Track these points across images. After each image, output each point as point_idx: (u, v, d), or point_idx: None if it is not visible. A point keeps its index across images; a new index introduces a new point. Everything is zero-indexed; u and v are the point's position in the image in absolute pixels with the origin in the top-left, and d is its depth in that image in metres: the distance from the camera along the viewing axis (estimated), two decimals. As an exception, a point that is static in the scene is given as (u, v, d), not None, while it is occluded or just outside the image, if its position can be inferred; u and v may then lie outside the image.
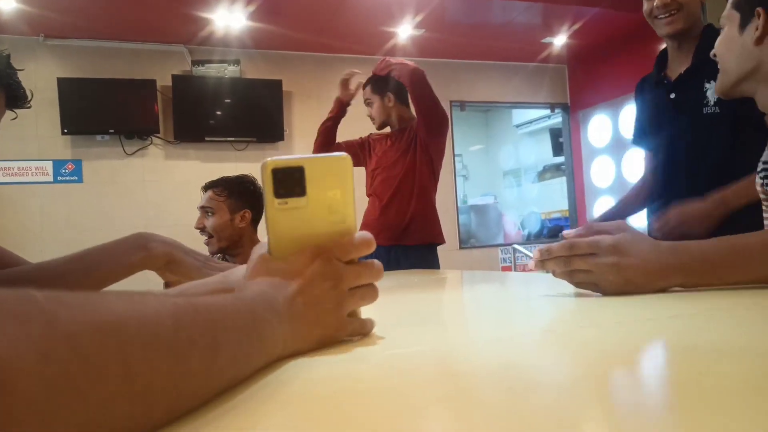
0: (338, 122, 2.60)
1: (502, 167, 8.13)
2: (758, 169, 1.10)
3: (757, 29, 0.99)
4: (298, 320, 0.44)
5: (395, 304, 0.88)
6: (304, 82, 4.83)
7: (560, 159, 6.31)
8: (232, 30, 4.21)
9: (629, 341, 0.48)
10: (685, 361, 0.40)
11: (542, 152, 7.08)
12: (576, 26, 4.63)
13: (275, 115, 4.64)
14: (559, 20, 4.57)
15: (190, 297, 0.34)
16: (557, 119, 6.18)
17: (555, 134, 6.43)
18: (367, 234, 0.48)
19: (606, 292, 0.71)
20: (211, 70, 4.53)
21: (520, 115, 7.23)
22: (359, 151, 2.62)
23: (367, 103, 2.57)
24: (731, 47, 1.05)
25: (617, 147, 5.08)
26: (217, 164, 4.44)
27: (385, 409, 0.31)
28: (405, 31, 4.50)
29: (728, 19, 1.06)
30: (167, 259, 0.92)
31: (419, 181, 2.43)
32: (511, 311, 0.81)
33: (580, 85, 5.61)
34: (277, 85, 4.61)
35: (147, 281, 0.82)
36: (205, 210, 2.01)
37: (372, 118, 2.57)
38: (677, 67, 1.63)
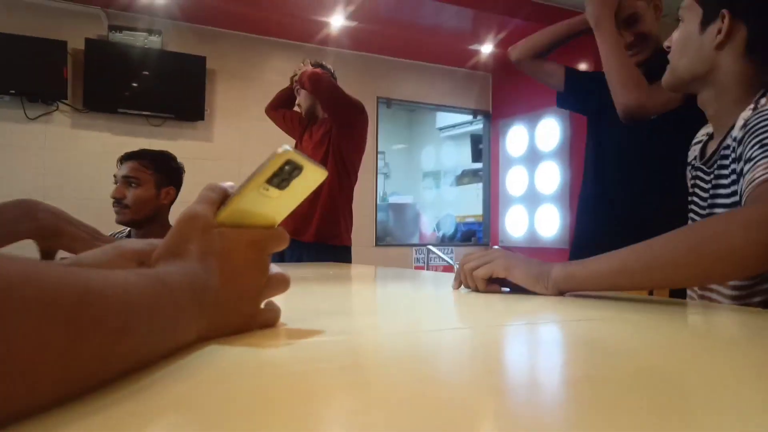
0: (292, 94, 2.65)
1: (423, 168, 8.26)
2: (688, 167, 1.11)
3: (719, 32, 0.94)
4: (220, 310, 0.42)
5: (308, 295, 0.87)
6: (229, 61, 4.67)
7: (479, 165, 6.50)
8: (157, -2, 4.00)
9: (529, 339, 0.49)
10: (579, 359, 0.41)
11: (462, 157, 7.27)
12: (501, 35, 4.78)
13: (196, 92, 4.45)
14: (486, 28, 4.70)
15: (107, 272, 0.31)
16: (479, 126, 6.37)
17: (475, 140, 6.61)
18: (284, 230, 0.48)
19: (507, 277, 0.81)
20: (130, 38, 4.27)
21: (444, 118, 7.38)
22: (297, 126, 2.64)
23: (296, 90, 2.57)
24: (687, 45, 0.99)
25: (532, 158, 5.30)
26: (128, 138, 4.20)
27: (291, 397, 0.30)
28: (337, 21, 4.47)
29: (689, 11, 1.00)
30: (55, 230, 0.86)
31: (329, 178, 2.40)
32: (419, 307, 0.81)
33: (503, 94, 5.80)
34: (200, 61, 4.43)
35: (21, 249, 0.76)
36: (128, 180, 1.92)
37: (299, 106, 2.58)
38: None
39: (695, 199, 1.05)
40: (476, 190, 6.54)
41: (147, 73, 4.27)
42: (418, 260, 5.61)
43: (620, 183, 1.67)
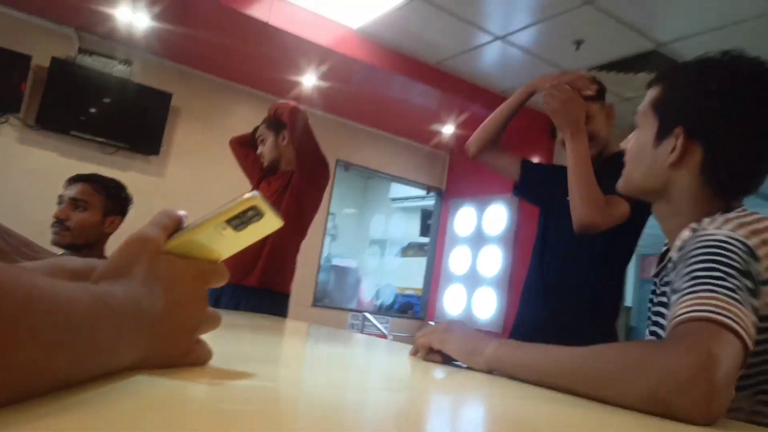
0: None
1: (370, 235, 8.32)
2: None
3: (673, 150, 0.90)
4: (157, 339, 0.42)
5: (240, 341, 0.86)
6: (195, 101, 4.68)
7: (425, 239, 6.61)
8: (132, 28, 4.01)
9: (448, 406, 0.51)
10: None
11: (410, 229, 7.38)
12: (462, 118, 5.01)
13: (156, 127, 4.41)
14: (449, 110, 4.92)
15: (54, 282, 0.31)
16: (430, 201, 6.52)
17: (425, 215, 6.75)
18: (225, 267, 0.49)
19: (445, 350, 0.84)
20: (99, 64, 4.24)
21: (398, 189, 7.53)
22: (258, 171, 2.58)
23: (260, 140, 2.53)
24: (641, 157, 0.95)
25: (477, 240, 5.44)
26: (77, 162, 4.09)
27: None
28: (309, 80, 4.58)
29: (644, 118, 0.96)
30: None
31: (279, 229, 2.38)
32: (348, 365, 0.82)
33: (458, 174, 6.00)
34: (166, 97, 4.42)
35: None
36: (76, 202, 1.86)
37: (262, 156, 2.52)
38: None
39: (648, 307, 1.03)
40: (420, 263, 6.61)
41: (108, 100, 4.22)
42: (353, 326, 5.55)
43: (559, 273, 1.75)
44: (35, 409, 0.28)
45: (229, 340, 0.85)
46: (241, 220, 0.43)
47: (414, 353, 0.90)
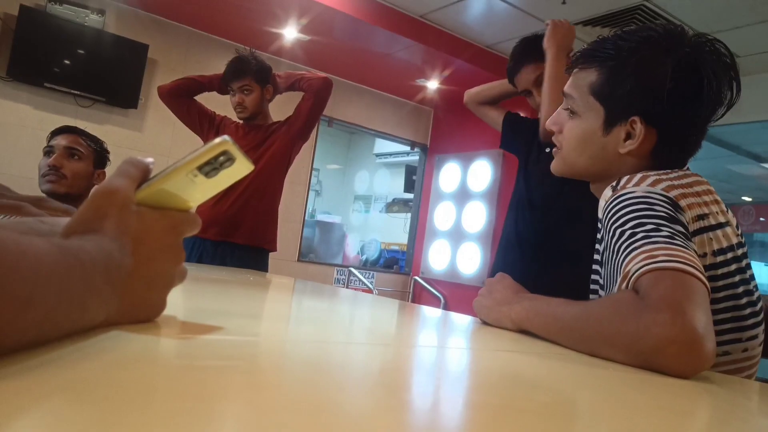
0: (202, 90, 2.53)
1: (355, 191, 8.29)
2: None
3: (627, 138, 0.90)
4: (131, 295, 0.40)
5: (226, 296, 0.84)
6: (173, 54, 4.54)
7: (410, 195, 6.61)
8: (105, -22, 3.85)
9: (437, 362, 0.50)
10: (495, 386, 0.43)
11: (395, 185, 7.36)
12: (446, 73, 4.93)
13: (133, 80, 4.28)
14: (433, 64, 4.84)
15: (21, 237, 0.29)
16: (415, 157, 6.49)
17: (410, 171, 6.73)
18: (197, 215, 0.47)
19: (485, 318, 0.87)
20: (70, 13, 4.07)
21: (382, 145, 7.47)
22: (205, 122, 2.51)
23: (245, 90, 2.40)
24: (588, 144, 0.93)
25: (462, 196, 5.44)
26: (52, 115, 3.97)
27: (186, 392, 0.29)
28: (290, 33, 4.46)
29: (586, 106, 0.93)
30: None
31: (267, 183, 2.37)
32: (333, 320, 0.81)
33: (442, 130, 5.96)
34: (142, 48, 4.28)
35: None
36: (71, 151, 1.86)
37: (242, 107, 2.41)
38: None
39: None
40: (404, 219, 6.63)
41: (83, 51, 4.07)
42: (338, 280, 5.59)
43: (535, 227, 1.77)
44: (2, 368, 0.27)
45: (213, 295, 0.84)
46: (213, 166, 0.42)
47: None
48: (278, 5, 3.99)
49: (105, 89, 4.20)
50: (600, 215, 0.85)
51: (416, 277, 5.75)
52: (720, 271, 0.80)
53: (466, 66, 4.64)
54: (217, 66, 4.68)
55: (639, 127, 0.88)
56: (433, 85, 5.25)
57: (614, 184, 0.85)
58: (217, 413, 0.26)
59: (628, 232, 0.73)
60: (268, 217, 2.41)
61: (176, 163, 0.42)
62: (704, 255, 0.79)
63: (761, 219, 5.73)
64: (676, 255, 0.66)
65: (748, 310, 0.82)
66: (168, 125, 4.54)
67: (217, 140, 0.41)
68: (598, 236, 0.91)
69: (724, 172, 5.62)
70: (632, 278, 0.67)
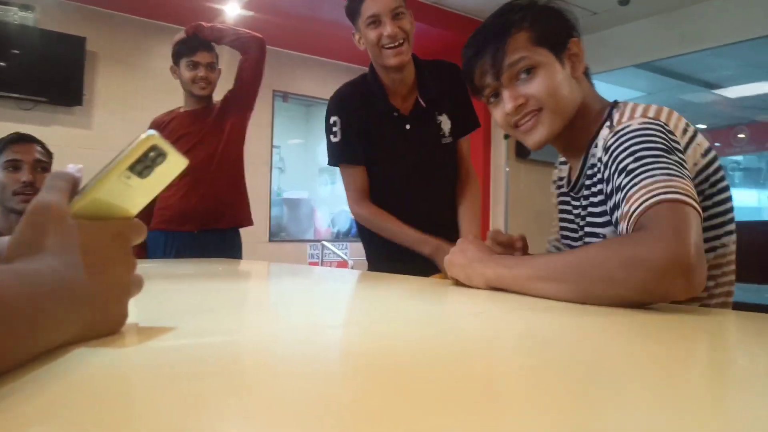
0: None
1: (319, 164, 8.21)
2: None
3: (575, 56, 0.97)
4: (91, 311, 0.38)
5: (194, 292, 0.83)
6: (113, 44, 4.36)
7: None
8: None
9: (418, 336, 0.50)
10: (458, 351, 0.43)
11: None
12: (400, 37, 4.86)
13: (74, 75, 4.11)
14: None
15: None
16: (375, 123, 6.42)
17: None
18: (141, 222, 0.45)
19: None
20: (0, 13, 3.87)
21: (341, 114, 7.36)
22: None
23: (211, 66, 2.31)
24: (560, 81, 0.95)
25: (426, 156, 5.43)
26: (-6, 122, 3.81)
27: (169, 400, 0.28)
28: (233, 9, 4.32)
29: (538, 56, 0.95)
30: None
31: (232, 162, 2.33)
32: (312, 304, 0.80)
33: (399, 94, 5.90)
34: (78, 42, 4.09)
35: None
36: (40, 164, 1.81)
37: (207, 82, 2.30)
38: (403, 100, 1.66)
39: (565, 224, 1.08)
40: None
41: (17, 51, 3.88)
42: (312, 256, 5.58)
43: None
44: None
45: (180, 294, 0.82)
46: (145, 164, 0.39)
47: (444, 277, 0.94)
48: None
49: (46, 88, 4.02)
50: (601, 156, 0.89)
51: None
52: (712, 168, 0.89)
53: (421, 26, 4.58)
54: (161, 52, 4.55)
55: (578, 45, 0.98)
56: (384, 47, 5.17)
57: (608, 123, 0.91)
58: (203, 423, 0.25)
59: (629, 167, 0.79)
60: (242, 195, 2.39)
61: (105, 167, 0.40)
62: (696, 164, 0.87)
63: (717, 144, 5.88)
64: (672, 186, 0.72)
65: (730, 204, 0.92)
66: (118, 119, 4.40)
67: (143, 135, 0.39)
68: (594, 199, 0.94)
69: (677, 102, 5.72)
70: (633, 216, 0.73)
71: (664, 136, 0.82)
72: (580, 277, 0.69)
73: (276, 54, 5.21)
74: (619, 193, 0.79)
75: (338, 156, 1.68)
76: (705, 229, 0.82)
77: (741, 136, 5.67)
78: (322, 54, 5.45)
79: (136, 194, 0.42)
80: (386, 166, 1.67)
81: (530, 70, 0.95)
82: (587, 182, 0.96)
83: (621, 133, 0.84)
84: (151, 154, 0.39)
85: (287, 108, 6.11)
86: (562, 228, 1.10)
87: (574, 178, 1.02)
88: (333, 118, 1.67)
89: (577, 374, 0.36)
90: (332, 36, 4.90)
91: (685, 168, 0.79)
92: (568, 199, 1.06)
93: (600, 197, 0.92)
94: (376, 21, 1.61)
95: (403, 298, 0.83)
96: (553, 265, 0.74)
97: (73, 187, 0.42)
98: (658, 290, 0.64)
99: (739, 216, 0.93)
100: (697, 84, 5.73)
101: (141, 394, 0.30)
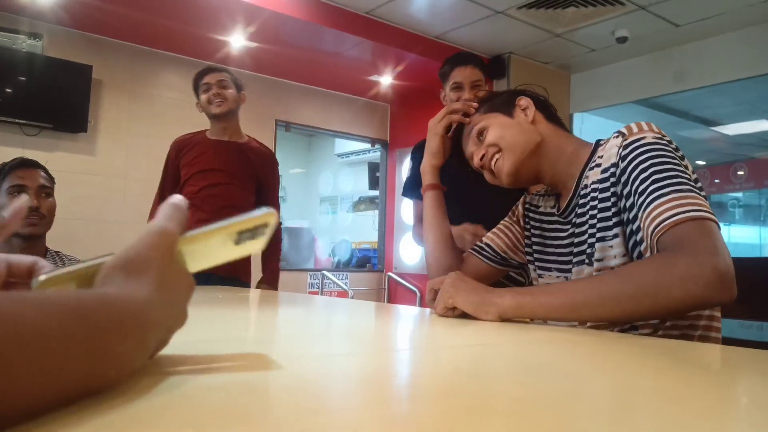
0: None
1: (320, 193, 8.24)
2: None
3: (525, 110, 1.12)
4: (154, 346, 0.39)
5: (200, 321, 0.82)
6: (118, 72, 4.42)
7: (375, 192, 6.60)
8: (40, 0, 3.71)
9: (416, 366, 0.50)
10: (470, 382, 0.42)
11: (359, 183, 7.34)
12: (399, 68, 4.93)
13: (79, 103, 4.15)
14: (385, 60, 4.83)
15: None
16: (376, 154, 6.48)
17: (373, 168, 6.72)
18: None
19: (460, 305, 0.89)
20: (6, 41, 3.93)
21: (342, 145, 7.44)
22: (179, 161, 2.39)
23: (222, 83, 2.33)
24: (512, 129, 1.10)
25: (426, 188, 5.45)
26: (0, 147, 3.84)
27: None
28: (237, 41, 4.39)
29: (487, 120, 1.13)
30: None
31: (246, 208, 2.35)
32: (312, 332, 0.80)
33: (400, 124, 5.96)
34: (85, 70, 4.15)
35: None
36: (44, 189, 1.83)
37: (222, 97, 2.32)
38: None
39: (551, 242, 1.13)
40: (372, 216, 6.63)
41: (24, 78, 3.93)
42: (312, 285, 5.55)
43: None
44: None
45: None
46: (252, 234, 0.42)
47: (433, 304, 0.96)
48: (224, 12, 3.93)
49: (51, 115, 4.06)
50: (616, 161, 0.95)
51: (390, 273, 5.75)
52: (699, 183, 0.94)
53: (418, 58, 4.66)
54: (165, 80, 4.61)
55: (526, 100, 1.12)
56: (386, 80, 5.25)
57: (616, 134, 0.98)
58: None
59: (654, 177, 0.86)
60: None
61: (220, 222, 0.41)
62: (696, 180, 0.92)
63: (716, 181, 5.91)
64: (696, 204, 0.80)
65: None
66: (121, 147, 4.44)
67: (266, 210, 0.41)
68: (616, 191, 0.97)
69: (676, 139, 5.71)
70: (664, 224, 0.80)
71: (674, 152, 0.90)
72: (632, 298, 0.77)
73: (278, 84, 5.28)
74: (644, 197, 0.86)
75: (406, 190, 2.14)
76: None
77: (740, 173, 5.70)
78: (322, 85, 5.52)
79: (219, 255, 0.43)
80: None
81: (483, 132, 1.13)
82: (581, 201, 1.03)
83: (638, 143, 0.91)
84: (260, 228, 0.42)
85: (289, 137, 6.17)
86: (545, 250, 1.15)
87: (563, 205, 1.09)
88: (412, 156, 2.13)
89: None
90: (333, 67, 4.98)
91: (698, 182, 0.87)
92: (554, 225, 1.13)
93: (612, 201, 0.97)
94: (459, 87, 1.97)
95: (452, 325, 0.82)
96: (598, 290, 0.80)
97: (186, 224, 0.42)
98: (710, 300, 0.76)
99: (740, 252, 0.94)
100: (695, 121, 5.79)
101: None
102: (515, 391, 0.41)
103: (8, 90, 3.90)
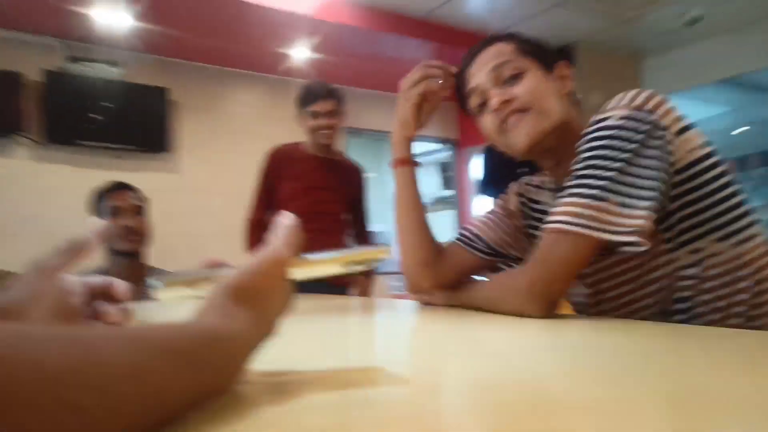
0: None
1: (391, 196, 8.24)
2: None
3: (565, 78, 0.96)
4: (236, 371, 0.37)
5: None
6: (192, 93, 4.59)
7: (449, 192, 6.53)
8: (116, 29, 3.91)
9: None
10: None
11: (432, 184, 7.29)
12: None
13: (159, 124, 4.34)
14: (447, 61, 4.74)
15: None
16: (446, 153, 6.41)
17: (444, 168, 6.65)
18: None
19: None
20: (89, 70, 4.17)
21: (412, 146, 7.39)
22: (281, 172, 2.39)
23: (333, 113, 2.30)
24: (546, 86, 0.94)
25: (500, 184, 5.33)
26: (91, 171, 4.02)
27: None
28: (302, 53, 4.47)
29: (522, 64, 0.95)
30: None
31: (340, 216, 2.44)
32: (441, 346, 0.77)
33: (468, 123, 5.85)
34: (162, 92, 4.34)
35: None
36: (138, 208, 1.94)
37: (332, 129, 2.32)
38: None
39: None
40: (448, 216, 6.57)
41: (107, 104, 4.16)
42: (394, 287, 5.55)
43: None
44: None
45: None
46: (364, 266, 0.44)
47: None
48: (288, 28, 4.01)
49: (136, 137, 4.28)
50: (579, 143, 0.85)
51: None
52: (702, 165, 0.81)
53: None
54: (239, 98, 4.75)
55: (567, 67, 0.98)
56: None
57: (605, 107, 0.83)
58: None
59: (579, 173, 0.79)
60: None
61: (337, 252, 0.44)
62: (681, 159, 0.80)
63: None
64: (587, 215, 0.74)
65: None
66: (204, 163, 4.61)
67: (382, 246, 0.44)
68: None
69: (766, 117, 5.36)
70: (545, 228, 0.80)
71: (641, 135, 0.76)
72: (490, 304, 0.89)
73: (346, 92, 5.31)
74: (561, 194, 0.81)
75: (482, 188, 2.20)
76: (690, 228, 0.80)
77: None
78: (389, 89, 5.52)
79: (323, 273, 0.45)
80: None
81: (517, 76, 0.94)
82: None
83: (598, 126, 0.80)
84: (371, 262, 0.44)
85: (358, 143, 6.21)
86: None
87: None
88: (484, 154, 2.16)
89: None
90: (396, 71, 4.94)
91: (642, 177, 0.75)
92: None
93: None
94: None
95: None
96: (483, 293, 0.94)
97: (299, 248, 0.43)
98: (521, 311, 0.80)
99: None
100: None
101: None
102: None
103: (94, 116, 4.12)
